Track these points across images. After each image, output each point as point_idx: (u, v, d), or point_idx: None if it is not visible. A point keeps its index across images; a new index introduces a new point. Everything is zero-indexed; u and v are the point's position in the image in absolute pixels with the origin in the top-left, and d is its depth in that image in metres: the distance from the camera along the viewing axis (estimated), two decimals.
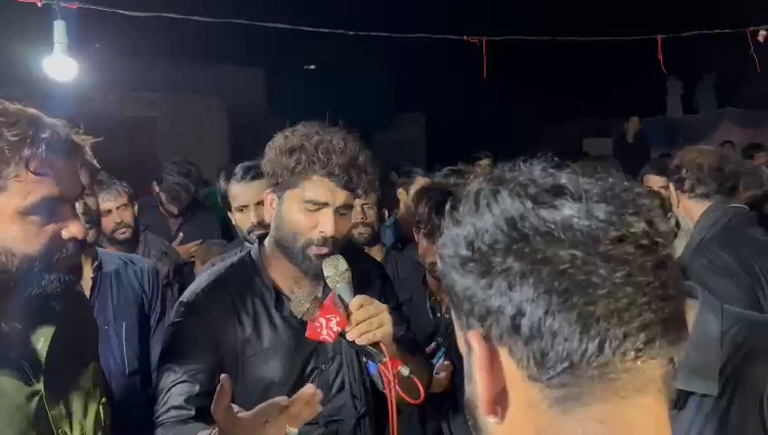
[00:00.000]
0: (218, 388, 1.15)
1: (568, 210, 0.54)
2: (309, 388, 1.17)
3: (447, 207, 0.61)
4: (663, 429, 0.55)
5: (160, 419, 1.40)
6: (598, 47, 5.41)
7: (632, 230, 0.53)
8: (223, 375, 1.17)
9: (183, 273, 3.11)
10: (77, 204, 1.99)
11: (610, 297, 0.52)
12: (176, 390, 1.40)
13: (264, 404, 1.15)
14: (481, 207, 0.57)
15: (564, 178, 0.57)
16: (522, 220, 0.54)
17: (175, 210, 3.78)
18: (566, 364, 0.53)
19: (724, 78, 11.33)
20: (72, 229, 1.09)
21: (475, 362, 0.57)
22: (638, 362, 0.53)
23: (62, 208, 1.09)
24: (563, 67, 9.91)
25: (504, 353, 0.56)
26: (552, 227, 0.53)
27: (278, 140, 1.49)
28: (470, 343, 0.57)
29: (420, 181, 3.21)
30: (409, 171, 3.58)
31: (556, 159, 0.60)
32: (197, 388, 1.39)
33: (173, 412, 1.38)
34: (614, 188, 0.56)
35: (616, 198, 0.55)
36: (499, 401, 0.56)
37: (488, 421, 0.57)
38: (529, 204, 0.55)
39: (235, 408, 1.15)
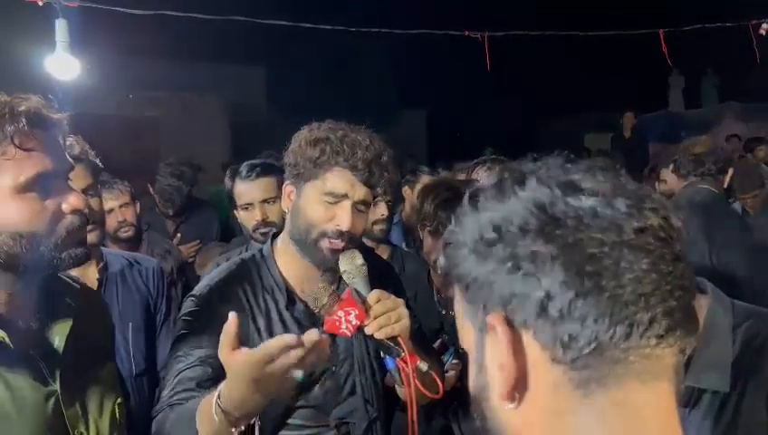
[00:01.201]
0: (225, 327, 1.13)
1: (591, 201, 0.55)
2: (313, 333, 1.13)
3: (467, 194, 0.61)
4: (672, 415, 0.56)
5: (169, 401, 1.34)
6: (600, 42, 5.39)
7: (650, 223, 0.55)
8: (231, 313, 1.14)
9: (186, 272, 3.11)
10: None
11: (638, 282, 0.53)
12: (186, 374, 1.36)
13: (269, 341, 1.12)
14: (506, 192, 0.58)
15: (579, 175, 0.58)
16: (551, 206, 0.55)
17: (169, 211, 3.80)
18: (593, 346, 0.54)
19: (726, 72, 11.30)
20: (72, 201, 1.09)
21: (496, 347, 0.57)
22: (657, 349, 0.54)
23: (57, 183, 1.09)
24: (565, 62, 9.89)
25: (527, 337, 0.56)
26: (581, 213, 0.54)
27: (303, 133, 1.48)
28: (493, 326, 0.57)
29: (425, 180, 3.22)
30: (414, 169, 3.58)
31: (568, 154, 0.61)
32: (210, 372, 1.34)
33: (183, 395, 1.33)
34: (626, 186, 0.57)
35: (632, 194, 0.56)
36: (518, 386, 0.56)
37: (502, 409, 0.58)
38: (557, 191, 0.56)
39: (243, 349, 1.12)
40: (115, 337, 1.41)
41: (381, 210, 2.78)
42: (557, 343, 0.54)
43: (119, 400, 1.26)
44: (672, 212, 0.57)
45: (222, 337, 1.14)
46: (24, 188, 1.05)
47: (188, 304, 1.50)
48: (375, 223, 2.81)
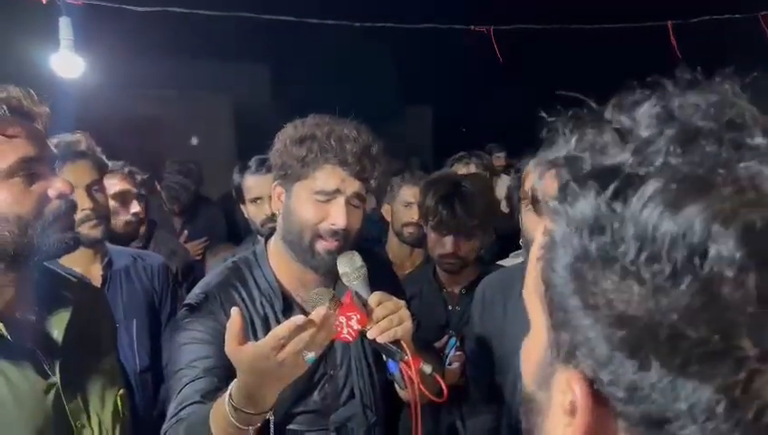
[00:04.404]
0: (229, 323, 1.12)
1: None
2: (320, 310, 1.13)
3: (628, 153, 0.40)
4: None
5: (177, 416, 1.29)
6: (608, 35, 5.35)
7: None
8: (234, 308, 1.14)
9: (194, 271, 3.08)
10: (86, 199, 1.97)
11: None
12: (191, 387, 1.32)
13: (278, 328, 1.11)
14: (686, 215, 0.36)
15: None
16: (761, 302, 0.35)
17: (176, 209, 3.81)
18: None
19: (735, 65, 11.20)
20: (58, 186, 1.10)
21: (569, 398, 0.44)
22: None
23: (42, 169, 1.10)
24: (572, 55, 9.83)
25: (613, 412, 0.42)
26: None
27: (287, 131, 1.44)
28: (572, 388, 0.43)
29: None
30: (426, 166, 3.57)
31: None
32: (216, 382, 1.31)
33: (190, 408, 1.29)
34: None
35: None
36: None
37: None
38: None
39: (250, 343, 1.11)
40: (116, 329, 1.40)
41: (413, 214, 2.74)
42: None
43: (120, 391, 1.26)
44: None
45: (227, 334, 1.13)
46: (8, 174, 1.06)
47: (184, 314, 1.45)
48: (405, 225, 2.76)
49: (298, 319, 1.09)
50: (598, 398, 0.42)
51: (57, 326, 1.16)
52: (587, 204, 0.40)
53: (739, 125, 0.39)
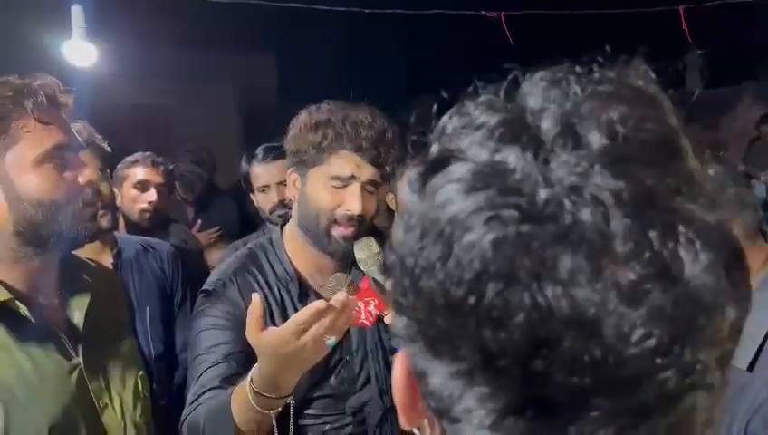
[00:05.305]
0: (249, 309, 1.13)
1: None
2: (341, 295, 1.14)
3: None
4: None
5: (197, 401, 1.29)
6: (619, 19, 5.30)
7: None
8: (254, 294, 1.15)
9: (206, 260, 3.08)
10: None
11: None
12: (210, 373, 1.32)
13: (298, 313, 1.12)
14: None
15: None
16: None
17: (189, 197, 3.81)
18: None
19: (745, 51, 11.06)
20: (87, 174, 1.14)
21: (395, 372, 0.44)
22: None
23: (73, 157, 1.14)
24: (583, 41, 9.74)
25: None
26: None
27: (302, 117, 1.44)
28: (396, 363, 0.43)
29: None
30: None
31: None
32: (234, 367, 1.31)
33: (210, 393, 1.29)
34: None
35: None
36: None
37: None
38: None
39: (271, 328, 1.13)
40: (134, 313, 1.43)
41: None
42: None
43: (140, 373, 1.28)
44: None
45: (248, 320, 1.14)
46: (43, 160, 1.09)
47: (201, 301, 1.46)
48: None
49: (319, 304, 1.10)
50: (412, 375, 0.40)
51: (78, 309, 1.20)
52: (405, 187, 0.38)
53: (578, 119, 0.34)
